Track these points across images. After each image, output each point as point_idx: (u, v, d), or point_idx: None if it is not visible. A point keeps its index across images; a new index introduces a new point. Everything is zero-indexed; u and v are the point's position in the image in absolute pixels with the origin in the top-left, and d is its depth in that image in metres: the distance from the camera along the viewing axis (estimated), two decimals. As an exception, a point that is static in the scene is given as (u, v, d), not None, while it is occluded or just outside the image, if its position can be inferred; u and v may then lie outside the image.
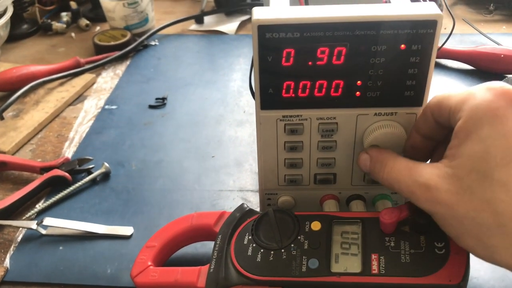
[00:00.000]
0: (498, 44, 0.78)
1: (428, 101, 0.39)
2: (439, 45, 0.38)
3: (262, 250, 0.40)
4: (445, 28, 0.37)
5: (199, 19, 0.97)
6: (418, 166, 0.36)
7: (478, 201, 0.32)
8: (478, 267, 0.45)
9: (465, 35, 0.87)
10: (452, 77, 0.75)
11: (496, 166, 0.31)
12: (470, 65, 0.76)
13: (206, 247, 0.48)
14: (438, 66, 0.78)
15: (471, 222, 0.32)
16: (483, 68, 0.75)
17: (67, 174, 0.57)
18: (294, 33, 0.37)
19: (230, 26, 0.95)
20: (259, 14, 0.37)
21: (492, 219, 0.31)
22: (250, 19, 0.37)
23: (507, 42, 0.80)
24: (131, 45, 0.85)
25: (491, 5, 0.94)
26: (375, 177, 0.40)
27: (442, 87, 0.73)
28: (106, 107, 0.73)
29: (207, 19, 0.98)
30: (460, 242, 0.34)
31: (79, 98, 0.75)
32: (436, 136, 0.39)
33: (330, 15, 0.37)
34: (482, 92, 0.34)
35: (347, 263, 0.38)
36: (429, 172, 0.34)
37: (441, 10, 0.37)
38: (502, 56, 0.72)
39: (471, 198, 0.32)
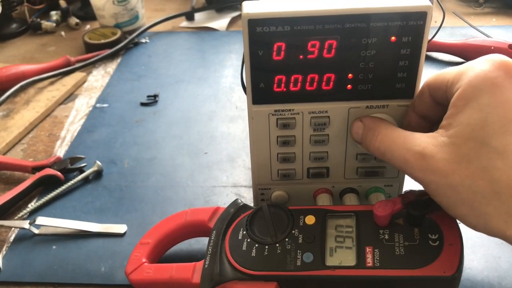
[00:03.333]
0: (488, 36, 0.78)
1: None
2: (430, 37, 0.38)
3: (256, 245, 0.40)
4: (435, 22, 0.37)
5: (189, 16, 0.97)
6: (413, 135, 0.36)
7: (475, 169, 0.32)
8: (471, 258, 0.45)
9: (455, 28, 0.87)
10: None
11: (494, 134, 0.32)
12: (461, 57, 0.76)
13: (201, 243, 0.48)
14: (429, 59, 0.78)
15: (466, 190, 0.32)
16: (474, 60, 0.75)
17: (59, 173, 0.57)
18: (284, 27, 0.37)
19: (221, 23, 0.94)
20: (249, 8, 0.37)
21: (487, 187, 0.31)
22: (240, 15, 0.37)
23: (497, 35, 0.80)
24: (122, 43, 0.85)
25: (481, -3, 0.94)
26: (367, 146, 0.40)
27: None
28: (97, 105, 0.72)
29: (197, 16, 0.98)
30: (452, 211, 0.34)
31: (70, 97, 0.75)
32: (431, 115, 0.39)
33: (320, 8, 0.37)
34: (481, 63, 0.34)
35: (341, 256, 0.38)
36: (424, 141, 0.34)
37: (431, 3, 0.37)
38: (492, 48, 0.72)
39: (468, 166, 0.32)
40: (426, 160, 0.34)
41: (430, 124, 0.40)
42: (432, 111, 0.39)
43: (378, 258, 0.37)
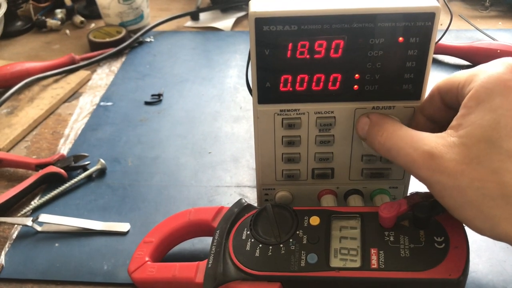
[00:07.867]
0: (494, 39, 0.78)
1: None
2: (436, 39, 0.38)
3: (260, 245, 0.40)
4: (441, 24, 0.37)
5: (194, 16, 0.96)
6: (421, 134, 0.35)
7: (485, 170, 0.31)
8: (476, 261, 0.45)
9: (461, 31, 0.87)
10: (449, 73, 0.75)
11: (506, 136, 0.31)
12: (467, 60, 0.76)
13: (204, 242, 0.48)
14: (435, 61, 0.78)
15: (475, 193, 0.32)
16: (480, 63, 0.74)
17: (62, 171, 0.57)
18: (291, 26, 0.37)
19: (226, 23, 0.94)
20: (256, 6, 0.37)
21: (497, 189, 0.31)
22: (246, 15, 0.37)
23: (503, 38, 0.80)
24: (126, 42, 0.85)
25: (487, 1, 0.94)
26: (371, 143, 0.39)
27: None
28: (102, 103, 0.72)
29: (202, 15, 0.98)
30: (457, 214, 0.34)
31: (74, 95, 0.75)
32: (440, 118, 0.39)
33: (328, 8, 0.36)
34: (494, 65, 0.34)
35: (346, 258, 0.38)
36: (433, 141, 0.34)
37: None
38: (499, 51, 0.72)
39: (478, 167, 0.32)
40: (434, 160, 0.33)
41: (438, 127, 0.40)
42: (441, 114, 0.39)
43: (383, 260, 0.36)
